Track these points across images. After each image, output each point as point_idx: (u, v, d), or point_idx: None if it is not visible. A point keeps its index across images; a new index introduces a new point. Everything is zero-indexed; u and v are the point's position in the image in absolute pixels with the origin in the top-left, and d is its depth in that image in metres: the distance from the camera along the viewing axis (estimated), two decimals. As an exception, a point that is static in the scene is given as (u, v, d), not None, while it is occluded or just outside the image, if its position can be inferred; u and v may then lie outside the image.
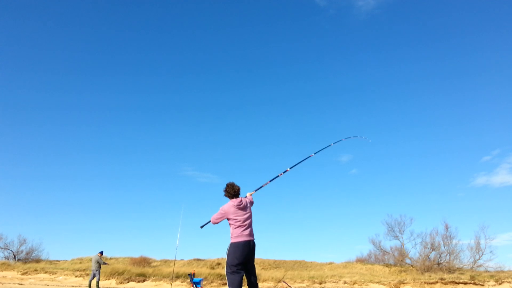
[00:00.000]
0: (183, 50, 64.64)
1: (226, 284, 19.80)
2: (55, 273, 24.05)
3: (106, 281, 21.67)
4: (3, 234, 36.54)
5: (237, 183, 5.72)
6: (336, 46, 63.27)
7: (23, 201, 51.75)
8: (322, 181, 55.89)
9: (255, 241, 5.54)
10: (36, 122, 57.10)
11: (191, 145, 59.59)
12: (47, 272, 24.52)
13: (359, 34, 61.40)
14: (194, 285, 12.32)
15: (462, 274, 23.75)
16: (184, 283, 20.89)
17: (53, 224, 48.76)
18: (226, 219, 5.54)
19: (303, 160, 7.51)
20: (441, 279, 20.33)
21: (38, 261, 32.76)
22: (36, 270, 25.00)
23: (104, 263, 16.85)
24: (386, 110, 58.74)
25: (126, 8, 62.14)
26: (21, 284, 18.87)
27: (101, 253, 16.51)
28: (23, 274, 24.43)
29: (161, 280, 21.66)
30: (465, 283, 19.66)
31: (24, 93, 57.06)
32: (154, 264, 31.81)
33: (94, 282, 16.03)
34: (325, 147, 8.48)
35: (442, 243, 27.85)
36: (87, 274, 22.60)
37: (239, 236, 5.33)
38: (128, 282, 21.69)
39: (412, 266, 28.25)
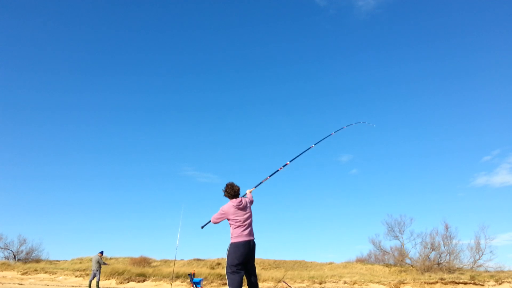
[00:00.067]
0: (183, 50, 64.71)
1: (226, 284, 19.80)
2: (55, 273, 24.06)
3: (106, 281, 21.68)
4: (3, 234, 36.62)
5: (237, 183, 5.72)
6: (336, 46, 63.37)
7: (23, 201, 51.83)
8: (322, 181, 55.96)
9: (255, 240, 5.55)
10: (36, 122, 57.20)
11: (191, 145, 59.67)
12: (47, 272, 24.52)
13: (359, 34, 61.49)
14: (194, 285, 12.32)
15: (462, 274, 23.75)
16: (184, 283, 20.89)
17: (53, 224, 48.83)
18: (226, 219, 5.55)
19: (303, 152, 7.32)
20: (441, 279, 20.33)
21: (38, 261, 32.76)
22: (36, 270, 25.00)
23: (105, 263, 16.85)
24: (386, 110, 58.76)
25: (126, 8, 62.19)
26: (21, 284, 18.87)
27: (101, 253, 16.51)
28: (23, 274, 24.43)
29: (161, 280, 21.66)
30: (465, 283, 19.66)
31: (24, 93, 57.16)
32: (154, 264, 31.82)
33: (94, 282, 16.03)
34: (326, 137, 8.26)
35: (442, 243, 27.89)
36: (87, 274, 22.60)
37: (239, 236, 5.34)
38: (128, 282, 21.70)
39: (412, 266, 28.25)
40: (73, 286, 18.96)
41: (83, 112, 59.27)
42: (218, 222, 5.61)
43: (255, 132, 60.68)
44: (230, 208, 5.46)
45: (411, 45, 59.87)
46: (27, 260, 32.92)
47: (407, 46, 59.55)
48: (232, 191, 5.59)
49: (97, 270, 15.98)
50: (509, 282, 19.82)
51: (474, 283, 19.60)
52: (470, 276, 21.22)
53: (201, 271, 23.93)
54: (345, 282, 21.02)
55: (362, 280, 21.04)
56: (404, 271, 27.09)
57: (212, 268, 28.84)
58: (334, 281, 21.47)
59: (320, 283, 21.17)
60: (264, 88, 62.99)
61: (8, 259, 33.06)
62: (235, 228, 5.39)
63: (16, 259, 33.21)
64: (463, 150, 53.48)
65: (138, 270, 24.05)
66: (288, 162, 6.85)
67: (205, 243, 49.24)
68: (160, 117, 61.65)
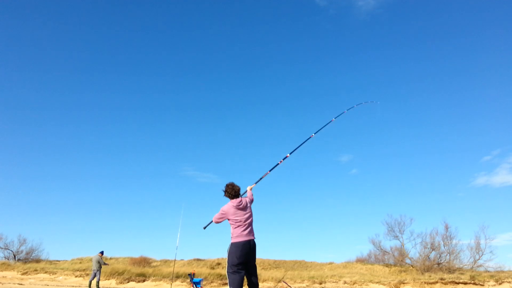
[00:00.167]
0: (183, 50, 64.72)
1: (226, 284, 19.83)
2: (55, 273, 24.05)
3: (106, 281, 21.67)
4: (3, 234, 36.63)
5: (237, 183, 5.74)
6: (336, 46, 63.39)
7: (23, 201, 51.77)
8: (322, 181, 55.95)
9: (256, 240, 5.56)
10: (36, 122, 57.18)
11: (191, 145, 59.68)
12: (47, 272, 24.52)
13: (359, 34, 61.52)
14: (194, 285, 12.32)
15: (462, 274, 23.75)
16: (184, 283, 20.89)
17: (53, 224, 48.82)
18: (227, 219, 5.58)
19: (303, 143, 7.05)
20: (441, 279, 20.33)
21: (38, 261, 32.75)
22: (36, 270, 25.00)
23: (105, 264, 16.85)
24: (386, 110, 58.74)
25: (126, 8, 62.20)
26: (21, 284, 18.87)
27: (102, 253, 16.51)
28: (23, 274, 24.43)
29: (161, 280, 21.66)
30: (465, 283, 19.66)
31: (24, 93, 57.15)
32: (154, 264, 31.82)
33: (94, 282, 16.03)
34: (327, 124, 7.86)
35: (442, 243, 27.88)
36: (87, 274, 22.60)
37: (239, 236, 5.35)
38: (128, 282, 21.70)
39: (412, 266, 28.25)
40: (73, 286, 18.96)
41: (83, 112, 59.33)
42: (219, 222, 5.67)
43: (255, 132, 60.76)
44: (230, 209, 5.48)
45: (411, 45, 59.97)
46: (27, 260, 32.92)
47: (407, 46, 59.64)
48: (232, 191, 5.61)
49: (98, 270, 15.98)
50: (509, 282, 19.81)
51: (474, 283, 19.60)
52: (470, 276, 21.22)
53: (201, 271, 23.93)
54: (345, 282, 21.02)
55: (362, 280, 21.04)
56: (404, 271, 27.09)
57: (212, 268, 28.85)
58: (334, 281, 21.47)
59: (320, 283, 21.17)
60: (264, 88, 63.07)
61: (8, 259, 33.08)
62: (235, 228, 5.41)
63: (16, 259, 33.21)
64: (463, 150, 53.55)
65: (138, 270, 24.06)
66: (288, 155, 6.68)
67: (205, 243, 49.35)
68: (160, 117, 61.74)
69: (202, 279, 13.55)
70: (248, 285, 5.55)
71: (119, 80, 60.45)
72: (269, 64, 64.32)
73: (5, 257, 33.31)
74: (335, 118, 8.26)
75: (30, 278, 23.02)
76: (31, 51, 58.57)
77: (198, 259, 33.84)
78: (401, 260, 29.65)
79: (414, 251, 28.93)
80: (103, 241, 51.49)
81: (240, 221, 5.41)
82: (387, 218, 31.54)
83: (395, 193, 51.73)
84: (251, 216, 5.59)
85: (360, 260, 34.41)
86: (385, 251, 30.96)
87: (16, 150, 55.20)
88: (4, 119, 55.06)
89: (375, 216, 52.54)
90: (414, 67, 58.68)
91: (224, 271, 21.53)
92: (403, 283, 20.08)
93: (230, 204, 5.52)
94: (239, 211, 5.47)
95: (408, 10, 60.44)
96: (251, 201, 5.81)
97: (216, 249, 52.41)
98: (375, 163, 56.10)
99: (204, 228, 6.04)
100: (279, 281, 20.96)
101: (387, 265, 29.86)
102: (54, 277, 23.38)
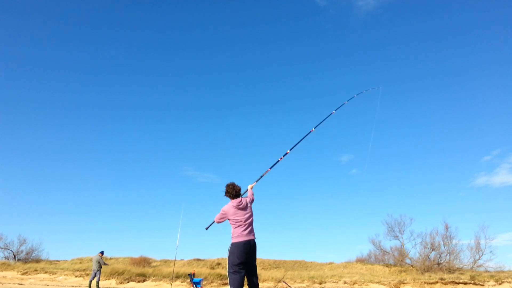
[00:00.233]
0: (183, 50, 64.74)
1: (226, 284, 19.82)
2: (55, 273, 24.05)
3: (106, 281, 21.67)
4: (3, 234, 36.65)
5: (237, 183, 5.76)
6: (336, 46, 63.44)
7: (23, 201, 51.81)
8: (322, 181, 55.97)
9: (256, 240, 5.56)
10: (36, 122, 57.22)
11: (191, 145, 59.72)
12: (47, 272, 24.51)
13: (359, 34, 61.57)
14: (194, 285, 12.32)
15: (462, 274, 23.75)
16: (184, 283, 20.89)
17: (53, 224, 48.86)
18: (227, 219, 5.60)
19: (303, 138, 6.94)
20: (441, 279, 20.33)
21: (38, 261, 32.76)
22: (36, 270, 24.99)
23: (105, 264, 16.85)
24: (386, 110, 58.72)
25: (126, 8, 62.20)
26: (21, 284, 18.86)
27: (102, 253, 16.51)
28: (23, 274, 24.42)
29: (161, 280, 21.66)
30: (465, 283, 19.66)
31: (24, 93, 57.19)
32: (154, 264, 31.81)
33: (94, 282, 16.03)
34: (327, 117, 7.71)
35: (442, 243, 27.90)
36: (87, 274, 22.59)
37: (239, 236, 5.36)
38: (128, 282, 21.69)
39: (412, 266, 28.25)
40: (73, 286, 18.95)
41: (83, 112, 59.39)
42: (221, 222, 5.70)
43: (255, 131, 60.78)
44: (230, 209, 5.49)
45: (411, 45, 60.01)
46: (27, 260, 32.92)
47: (407, 46, 59.69)
48: (233, 191, 5.62)
49: (98, 270, 15.98)
50: (509, 282, 19.81)
51: (474, 283, 19.59)
52: (470, 276, 21.23)
53: (201, 271, 23.93)
54: (345, 282, 21.02)
55: (362, 280, 21.03)
56: (404, 271, 27.10)
57: (212, 268, 28.85)
58: (334, 281, 21.47)
59: (320, 283, 21.17)
60: (264, 88, 63.10)
61: (8, 259, 33.10)
62: (236, 228, 5.42)
63: (16, 259, 33.21)
64: (463, 150, 53.61)
65: (138, 270, 24.06)
66: (289, 151, 6.58)
67: (205, 243, 49.47)
68: (160, 117, 61.77)
69: (202, 279, 13.56)
70: (248, 285, 5.55)
71: (119, 80, 60.56)
72: (269, 64, 64.41)
73: (5, 257, 33.39)
74: (335, 110, 8.18)
75: (30, 278, 23.01)
76: (31, 51, 58.69)
77: (198, 259, 33.85)
78: (401, 260, 29.65)
79: (414, 251, 29.00)
80: (103, 241, 51.53)
81: (240, 221, 5.42)
82: (387, 218, 31.62)
83: (395, 193, 51.84)
84: (251, 216, 5.59)
85: (360, 260, 34.44)
86: (385, 251, 31.00)
87: (16, 150, 55.31)
88: (4, 119, 55.13)
89: (375, 216, 52.68)
90: (414, 67, 58.82)
91: (224, 271, 21.54)
92: (403, 283, 20.08)
93: (230, 204, 5.53)
94: (239, 211, 5.47)
95: (408, 10, 60.55)
96: (252, 201, 5.82)
97: (216, 249, 52.49)
98: (375, 163, 56.07)
99: (206, 228, 6.09)
100: (279, 281, 20.96)
101: (387, 265, 29.87)
102: (54, 277, 23.38)
